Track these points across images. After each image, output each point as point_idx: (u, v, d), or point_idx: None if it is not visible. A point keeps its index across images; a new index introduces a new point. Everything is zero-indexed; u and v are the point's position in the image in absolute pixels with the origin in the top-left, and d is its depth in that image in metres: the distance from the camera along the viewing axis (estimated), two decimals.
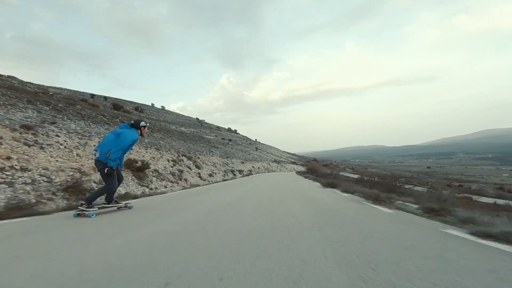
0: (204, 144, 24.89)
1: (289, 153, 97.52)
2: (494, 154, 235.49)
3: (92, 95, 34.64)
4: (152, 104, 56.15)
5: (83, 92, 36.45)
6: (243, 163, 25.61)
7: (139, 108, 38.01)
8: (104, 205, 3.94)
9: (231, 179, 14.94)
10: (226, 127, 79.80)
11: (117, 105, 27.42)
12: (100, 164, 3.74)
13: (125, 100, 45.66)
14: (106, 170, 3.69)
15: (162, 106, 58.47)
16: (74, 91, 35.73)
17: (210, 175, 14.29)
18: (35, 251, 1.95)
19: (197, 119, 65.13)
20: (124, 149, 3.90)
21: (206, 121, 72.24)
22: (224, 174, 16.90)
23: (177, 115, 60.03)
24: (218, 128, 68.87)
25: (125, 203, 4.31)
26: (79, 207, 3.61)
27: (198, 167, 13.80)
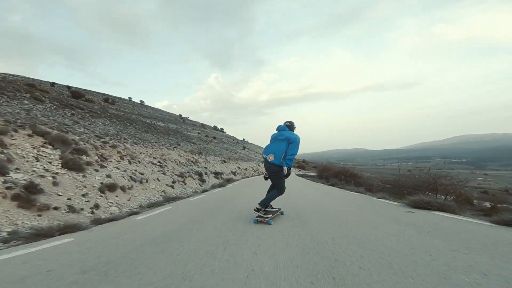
0: (175, 138, 21.13)
1: None
2: (467, 158, 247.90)
3: (53, 84, 29.86)
4: (129, 98, 51.34)
5: (44, 81, 31.52)
6: (224, 162, 21.55)
7: (109, 99, 33.54)
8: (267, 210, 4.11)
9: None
10: (212, 125, 75.97)
11: (77, 94, 23.18)
12: (275, 168, 3.89)
13: (96, 92, 40.80)
14: (286, 171, 3.99)
15: (141, 101, 53.80)
16: (34, 79, 30.75)
17: (132, 178, 7.82)
18: None
19: (180, 115, 60.89)
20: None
21: (191, 118, 68.06)
22: (174, 181, 9.79)
23: (157, 110, 55.53)
24: (203, 125, 65.00)
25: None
26: (256, 212, 3.83)
27: (131, 159, 9.01)
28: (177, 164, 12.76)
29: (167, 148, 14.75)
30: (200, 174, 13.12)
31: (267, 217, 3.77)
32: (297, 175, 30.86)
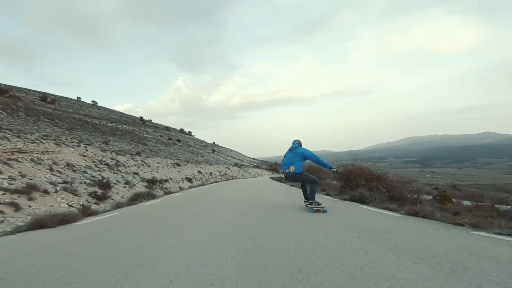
0: (101, 136, 17.98)
1: (249, 158, 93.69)
2: (416, 158, 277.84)
3: None
4: (78, 98, 45.22)
5: None
6: (177, 165, 18.48)
7: (47, 98, 28.51)
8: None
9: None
10: (179, 128, 71.58)
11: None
12: (298, 175, 5.02)
13: (33, 91, 34.73)
14: (302, 175, 5.05)
15: (93, 101, 47.88)
16: None
17: None
18: None
19: (141, 118, 55.80)
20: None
21: (154, 121, 62.96)
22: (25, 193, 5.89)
23: (112, 111, 50.03)
24: (168, 128, 60.59)
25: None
26: (308, 206, 4.86)
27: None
28: (67, 168, 9.03)
29: (64, 145, 11.23)
30: (104, 185, 8.81)
31: (321, 206, 4.69)
32: (272, 178, 24.67)
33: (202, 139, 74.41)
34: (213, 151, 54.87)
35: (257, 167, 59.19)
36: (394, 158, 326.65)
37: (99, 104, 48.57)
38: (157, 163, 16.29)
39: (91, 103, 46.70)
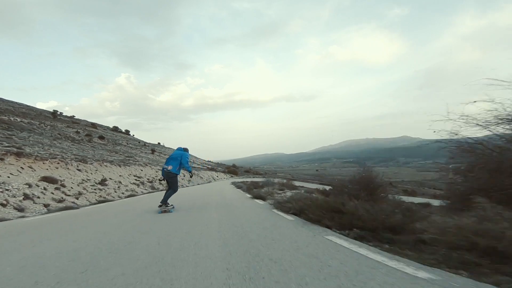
0: None
1: (203, 160, 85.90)
2: (354, 158, 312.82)
3: None
4: None
5: None
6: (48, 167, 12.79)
7: None
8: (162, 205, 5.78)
9: None
10: (111, 126, 60.41)
11: None
12: (171, 174, 5.82)
13: None
14: (176, 177, 5.89)
15: None
16: None
17: None
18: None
19: (55, 111, 44.08)
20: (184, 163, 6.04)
21: (79, 118, 51.10)
22: None
23: (23, 105, 37.93)
24: (94, 125, 49.81)
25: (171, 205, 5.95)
26: (160, 207, 5.68)
27: None
28: None
29: None
30: None
31: (169, 208, 5.71)
32: (235, 184, 19.67)
33: (143, 139, 64.69)
34: (153, 151, 47.17)
35: (212, 169, 53.47)
36: (336, 159, 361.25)
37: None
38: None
39: None
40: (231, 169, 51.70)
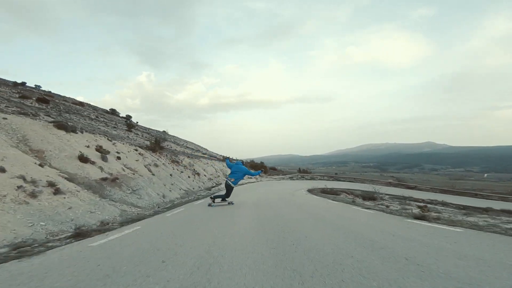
0: None
1: (219, 154, 74.24)
2: (374, 163, 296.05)
3: None
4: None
5: None
6: None
7: None
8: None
9: None
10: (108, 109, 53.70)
11: None
12: (229, 187, 8.03)
13: None
14: (232, 189, 8.16)
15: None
16: None
17: None
18: None
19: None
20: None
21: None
22: None
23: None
24: (81, 103, 41.68)
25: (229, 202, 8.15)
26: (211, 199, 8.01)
27: None
28: None
29: None
30: None
31: (213, 204, 7.81)
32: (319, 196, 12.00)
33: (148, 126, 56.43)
34: (130, 127, 37.81)
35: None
36: (354, 163, 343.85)
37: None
38: None
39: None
40: (269, 170, 33.88)
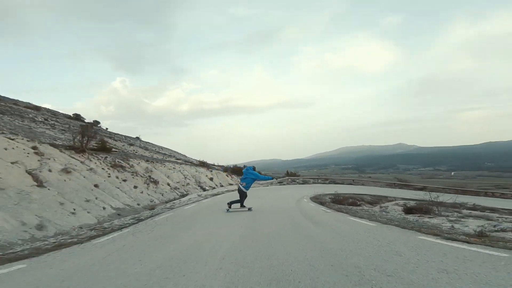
0: None
1: (196, 160, 67.62)
2: (352, 165, 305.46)
3: None
4: None
5: None
6: None
7: None
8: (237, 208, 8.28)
9: None
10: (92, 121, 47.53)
11: None
12: (241, 192, 8.28)
13: None
14: (244, 194, 8.31)
15: None
16: None
17: None
18: None
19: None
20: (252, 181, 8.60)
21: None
22: None
23: None
24: (37, 108, 34.72)
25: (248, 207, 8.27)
26: (228, 205, 8.14)
27: None
28: None
29: None
30: None
31: (229, 210, 8.06)
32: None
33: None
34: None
35: (202, 165, 26.38)
36: (334, 165, 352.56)
37: None
38: None
39: None
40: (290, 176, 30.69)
